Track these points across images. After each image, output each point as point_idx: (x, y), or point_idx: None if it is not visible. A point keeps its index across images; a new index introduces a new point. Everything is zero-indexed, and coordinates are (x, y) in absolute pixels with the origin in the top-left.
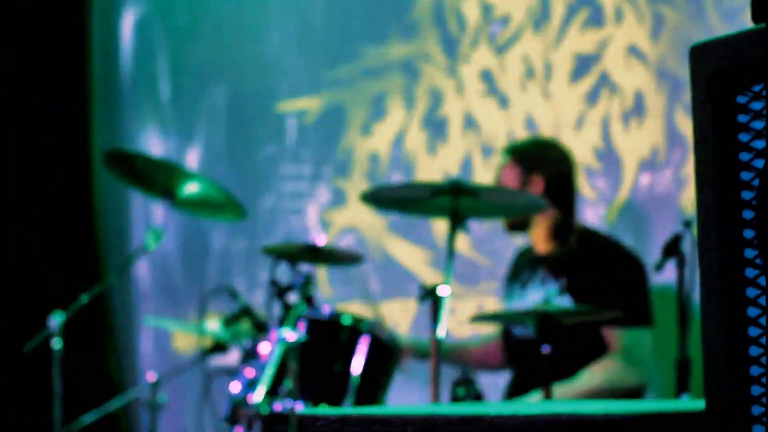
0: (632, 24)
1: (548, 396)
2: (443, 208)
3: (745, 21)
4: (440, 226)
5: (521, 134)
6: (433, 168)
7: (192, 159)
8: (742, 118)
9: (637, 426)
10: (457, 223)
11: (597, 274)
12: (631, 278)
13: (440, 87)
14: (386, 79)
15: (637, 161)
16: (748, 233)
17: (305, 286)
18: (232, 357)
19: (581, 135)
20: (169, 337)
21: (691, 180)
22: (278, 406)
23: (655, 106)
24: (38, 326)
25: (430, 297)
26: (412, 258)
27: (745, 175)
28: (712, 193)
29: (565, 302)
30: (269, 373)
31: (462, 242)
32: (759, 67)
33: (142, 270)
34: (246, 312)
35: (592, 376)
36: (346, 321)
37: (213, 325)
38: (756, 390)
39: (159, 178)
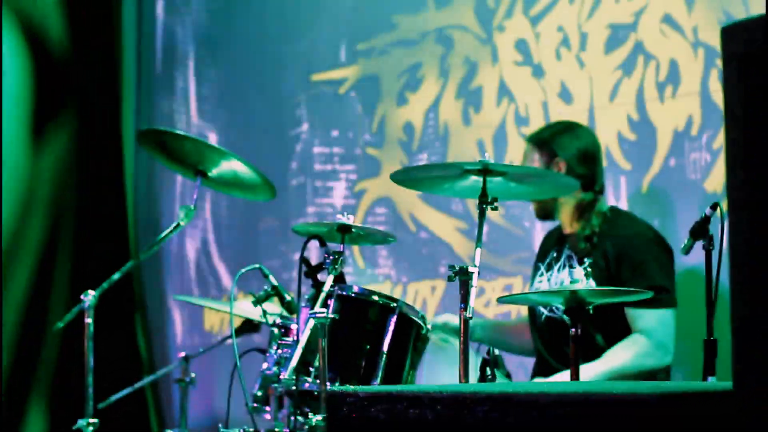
0: None
1: (575, 376)
2: (473, 189)
3: None
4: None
5: (555, 104)
6: (468, 137)
7: (223, 137)
8: None
9: (665, 405)
10: (487, 204)
11: (623, 254)
12: (658, 259)
13: (475, 57)
14: (421, 49)
15: (672, 131)
16: None
17: (335, 264)
18: (263, 335)
19: (616, 105)
20: (200, 315)
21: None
22: (308, 384)
23: (690, 76)
24: (71, 304)
25: (458, 277)
26: (444, 227)
27: None
28: (742, 172)
29: (590, 283)
30: (299, 351)
31: (495, 222)
32: None
33: (174, 248)
34: (276, 291)
35: (617, 356)
36: (376, 299)
37: (244, 303)
38: None
39: (191, 157)
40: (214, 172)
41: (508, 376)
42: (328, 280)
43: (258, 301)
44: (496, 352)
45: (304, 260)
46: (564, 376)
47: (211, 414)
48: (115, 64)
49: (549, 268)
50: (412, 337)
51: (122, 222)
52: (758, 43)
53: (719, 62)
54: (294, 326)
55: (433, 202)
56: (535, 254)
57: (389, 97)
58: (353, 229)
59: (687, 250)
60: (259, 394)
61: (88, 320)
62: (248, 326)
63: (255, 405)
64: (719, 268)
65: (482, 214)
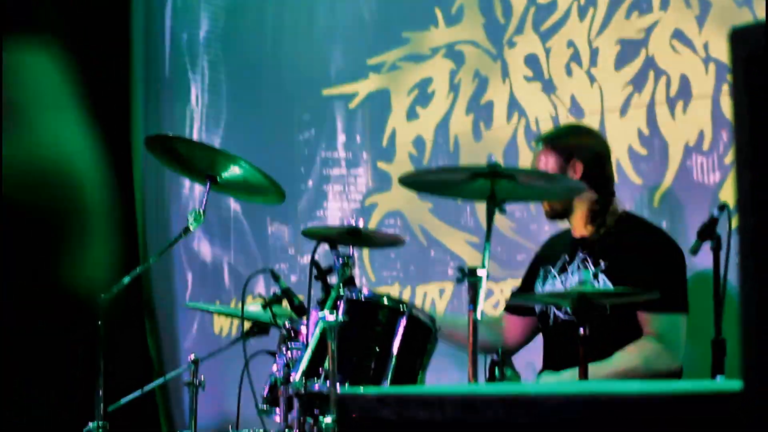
0: (678, 9)
1: (584, 377)
2: (481, 192)
3: None
4: (483, 209)
5: (566, 119)
6: (478, 152)
7: (231, 142)
8: None
9: (674, 406)
10: (495, 206)
11: (636, 257)
12: (670, 263)
13: (485, 72)
14: (431, 64)
15: (683, 146)
16: None
17: (345, 267)
18: (272, 338)
19: (627, 120)
20: (209, 318)
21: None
22: (317, 386)
23: (701, 91)
24: (82, 308)
25: (467, 279)
26: (455, 241)
27: None
28: (750, 174)
29: (602, 285)
30: (308, 353)
31: (503, 224)
32: None
33: (184, 252)
34: (286, 294)
35: (627, 357)
36: (385, 302)
37: (253, 307)
38: None
39: (200, 162)
40: (223, 177)
41: (517, 376)
42: (338, 284)
43: (268, 304)
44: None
45: (314, 263)
46: (572, 373)
47: (220, 416)
48: (124, 70)
49: (562, 271)
50: (422, 338)
51: (132, 226)
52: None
53: (731, 77)
54: (303, 329)
55: (443, 216)
56: (535, 257)
57: (399, 112)
58: (363, 233)
59: (695, 251)
60: (269, 396)
61: (99, 323)
62: (258, 329)
63: (264, 407)
64: (727, 268)
65: (491, 217)
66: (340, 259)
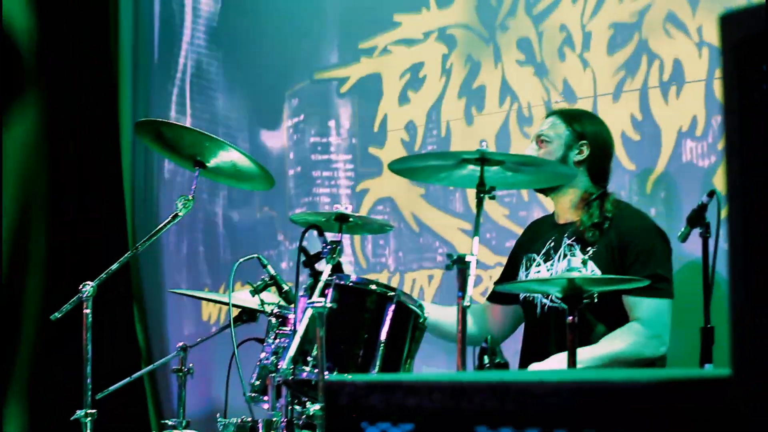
0: None
1: (573, 364)
2: (470, 178)
3: None
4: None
5: (558, 103)
6: (470, 137)
7: (221, 127)
8: None
9: (662, 393)
10: (484, 192)
11: (626, 243)
12: (656, 249)
13: (477, 56)
14: (423, 48)
15: (676, 131)
16: None
17: (333, 253)
18: (260, 325)
19: (620, 105)
20: (197, 305)
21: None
22: (306, 374)
23: (695, 75)
24: (69, 294)
25: (456, 266)
26: (446, 227)
27: None
28: (739, 159)
29: (596, 271)
30: (297, 340)
31: (496, 211)
32: None
33: (172, 238)
34: (274, 280)
35: (613, 343)
36: (374, 288)
37: (242, 293)
38: None
39: (189, 148)
40: (212, 163)
41: (506, 365)
42: (326, 270)
43: (256, 291)
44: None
45: (302, 250)
46: (559, 357)
47: (209, 404)
48: (111, 55)
49: (547, 257)
50: (410, 325)
51: (120, 213)
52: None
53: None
54: (292, 316)
55: (435, 202)
56: (517, 244)
57: (391, 97)
58: (351, 219)
59: (684, 238)
60: (257, 383)
61: (87, 311)
62: (246, 316)
63: (253, 395)
64: (716, 255)
65: (480, 204)
66: (329, 245)
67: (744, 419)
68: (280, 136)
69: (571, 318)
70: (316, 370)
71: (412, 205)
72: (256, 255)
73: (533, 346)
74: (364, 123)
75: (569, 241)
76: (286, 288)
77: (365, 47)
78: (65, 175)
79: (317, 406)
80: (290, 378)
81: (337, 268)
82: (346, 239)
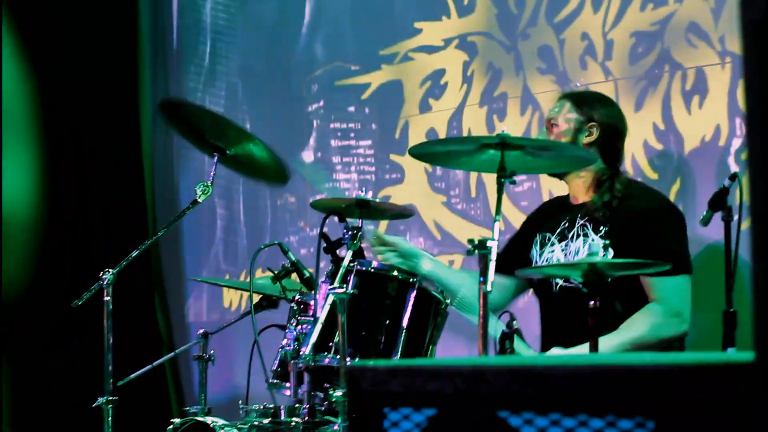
0: (694, 1)
1: (594, 348)
2: (491, 163)
3: None
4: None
5: None
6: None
7: (239, 113)
8: None
9: (684, 377)
10: (505, 177)
11: (637, 222)
12: (671, 227)
13: (499, 64)
14: (444, 56)
15: (699, 141)
16: None
17: (354, 239)
18: (282, 312)
19: (642, 114)
20: (218, 292)
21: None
22: (327, 360)
23: (718, 84)
24: (90, 282)
25: (477, 251)
26: (467, 235)
27: None
28: (760, 140)
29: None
30: (318, 327)
31: (515, 215)
32: None
33: (192, 225)
34: (295, 267)
35: (634, 327)
36: (396, 274)
37: (263, 280)
38: None
39: (210, 133)
40: (231, 151)
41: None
42: (347, 256)
43: (277, 278)
44: (515, 325)
45: (323, 236)
46: (584, 348)
47: (230, 391)
48: (132, 41)
49: (562, 237)
50: (432, 311)
51: (140, 199)
52: None
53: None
54: (313, 302)
55: (456, 209)
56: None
57: (412, 104)
58: (371, 204)
59: (706, 222)
60: (279, 370)
61: (107, 298)
62: (267, 303)
63: (274, 381)
64: (738, 239)
65: (500, 188)
66: (350, 231)
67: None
68: (300, 121)
69: (592, 303)
70: (337, 357)
71: (434, 213)
72: (277, 241)
73: (550, 326)
74: (386, 130)
75: (582, 222)
76: (307, 274)
77: (386, 54)
78: (84, 161)
79: (339, 392)
80: (312, 364)
81: (358, 254)
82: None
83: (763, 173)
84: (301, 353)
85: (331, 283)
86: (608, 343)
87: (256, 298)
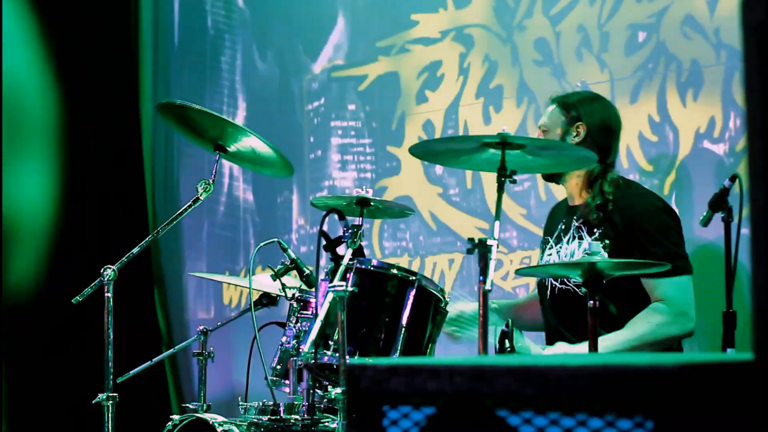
0: None
1: (594, 348)
2: (491, 162)
3: None
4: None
5: None
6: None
7: (240, 111)
8: None
9: (683, 377)
10: (505, 177)
11: (634, 223)
12: (669, 226)
13: (495, 56)
14: (441, 48)
15: (694, 133)
16: None
17: (354, 237)
18: (281, 309)
19: (637, 106)
20: (218, 289)
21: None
22: (327, 358)
23: (713, 77)
24: (91, 278)
25: (477, 249)
26: (463, 226)
27: None
28: (760, 142)
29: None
30: (318, 324)
31: (516, 212)
32: None
33: (193, 222)
34: (295, 264)
35: (639, 326)
36: (395, 272)
37: (262, 277)
38: None
39: (210, 132)
40: (232, 148)
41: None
42: (347, 254)
43: (277, 275)
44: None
45: (323, 234)
46: (585, 347)
47: (230, 387)
48: (132, 38)
49: (558, 240)
50: (431, 310)
51: (141, 197)
52: None
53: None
54: (313, 300)
55: (452, 201)
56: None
57: (409, 95)
58: (371, 203)
59: (706, 222)
60: (278, 367)
61: (108, 294)
62: (267, 300)
63: (274, 378)
64: (738, 240)
65: (501, 187)
66: (349, 229)
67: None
68: (301, 120)
69: (592, 302)
70: (337, 354)
71: (430, 204)
72: (276, 239)
73: (550, 328)
74: (382, 121)
75: (577, 224)
76: (307, 272)
77: (383, 46)
78: (85, 159)
79: (338, 390)
80: (311, 362)
81: (358, 252)
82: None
83: (764, 175)
84: (300, 351)
85: (331, 281)
86: (614, 340)
87: (255, 295)
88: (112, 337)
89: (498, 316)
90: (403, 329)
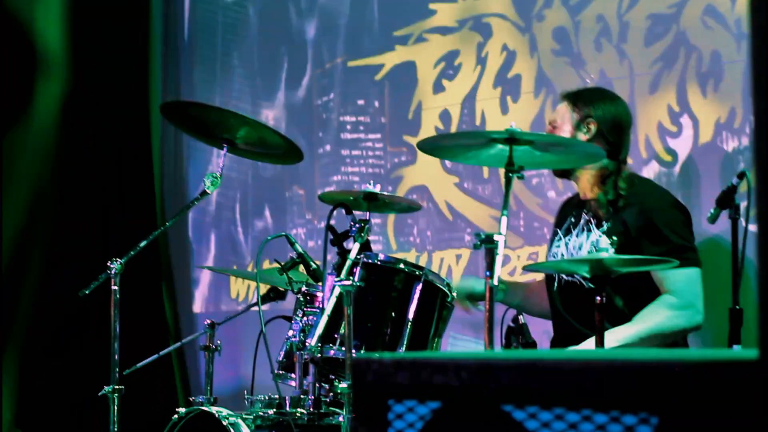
0: None
1: (600, 344)
2: (499, 158)
3: None
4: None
5: None
6: (504, 126)
7: (250, 106)
8: None
9: (690, 373)
10: (513, 172)
11: (643, 218)
12: (678, 221)
13: (513, 45)
14: (458, 37)
15: (714, 123)
16: None
17: (361, 232)
18: (288, 303)
19: (657, 96)
20: (226, 282)
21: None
22: (333, 352)
23: (733, 67)
24: (98, 271)
25: (484, 245)
26: (479, 216)
27: None
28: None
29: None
30: (324, 318)
31: (531, 201)
32: None
33: (201, 216)
34: (302, 258)
35: (648, 318)
36: (402, 267)
37: (270, 271)
38: None
39: (217, 126)
40: (240, 140)
41: (533, 344)
42: (354, 248)
43: (284, 269)
44: (522, 320)
45: (330, 228)
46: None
47: (236, 381)
48: (143, 35)
49: (567, 233)
50: (438, 304)
51: (149, 189)
52: None
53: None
54: (319, 294)
55: (468, 190)
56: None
57: (426, 85)
58: (379, 198)
59: (713, 219)
60: (285, 361)
61: (115, 287)
62: (274, 294)
63: (280, 372)
64: (745, 237)
65: (508, 183)
66: (357, 224)
67: None
68: (310, 114)
69: (599, 298)
70: (343, 348)
71: (446, 193)
72: (284, 233)
73: (557, 321)
74: (399, 111)
75: (587, 218)
76: (314, 266)
77: (400, 35)
78: (94, 154)
79: (344, 384)
80: (317, 356)
81: (365, 247)
82: (374, 218)
83: None
84: (306, 345)
85: (338, 275)
86: (623, 332)
87: (263, 289)
88: (118, 329)
89: (503, 295)
90: (410, 324)
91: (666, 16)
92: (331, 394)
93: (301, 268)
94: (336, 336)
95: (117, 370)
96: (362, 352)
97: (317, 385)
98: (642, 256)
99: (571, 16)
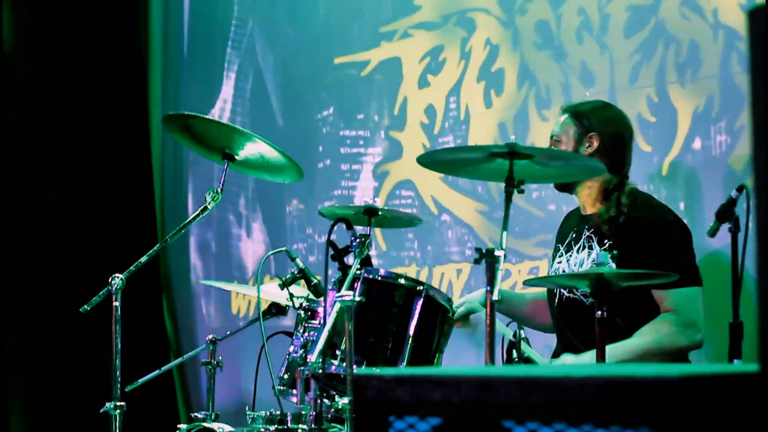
0: None
1: (601, 359)
2: (499, 172)
3: None
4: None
5: (577, 86)
6: (489, 120)
7: (249, 121)
8: None
9: (690, 388)
10: (513, 186)
11: (644, 234)
12: (679, 238)
13: (496, 39)
14: (443, 32)
15: (692, 113)
16: None
17: (362, 247)
18: (289, 318)
19: (636, 87)
20: (227, 298)
21: (746, 134)
22: (334, 367)
23: (711, 57)
24: (99, 287)
25: (485, 260)
26: (466, 210)
27: None
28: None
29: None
30: (325, 334)
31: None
32: None
33: (201, 231)
34: (303, 274)
35: (648, 336)
36: (402, 282)
37: (270, 286)
38: None
39: (217, 140)
40: (240, 156)
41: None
42: (355, 263)
43: (285, 284)
44: (523, 334)
45: (330, 243)
46: (592, 355)
47: (238, 397)
48: (141, 49)
49: (569, 248)
50: (439, 320)
51: (149, 205)
52: None
53: (740, 45)
54: (320, 309)
55: (454, 185)
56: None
57: (411, 80)
58: (379, 212)
59: (713, 233)
60: (286, 377)
61: (116, 303)
62: (275, 309)
63: (281, 388)
64: (745, 250)
65: (509, 198)
66: (357, 238)
67: None
68: (309, 129)
69: (600, 313)
70: (344, 364)
71: (432, 188)
72: (285, 248)
73: (559, 336)
74: (385, 106)
75: (588, 233)
76: (314, 281)
77: (385, 31)
78: (94, 168)
79: (345, 400)
80: (319, 371)
81: (365, 262)
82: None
83: None
84: (308, 360)
85: (338, 291)
86: (621, 349)
87: (264, 304)
88: (119, 345)
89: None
90: (411, 339)
91: (645, 8)
92: (333, 409)
93: (302, 283)
94: (337, 351)
95: (119, 386)
96: (363, 367)
97: (318, 400)
98: (642, 270)
99: (552, 10)
